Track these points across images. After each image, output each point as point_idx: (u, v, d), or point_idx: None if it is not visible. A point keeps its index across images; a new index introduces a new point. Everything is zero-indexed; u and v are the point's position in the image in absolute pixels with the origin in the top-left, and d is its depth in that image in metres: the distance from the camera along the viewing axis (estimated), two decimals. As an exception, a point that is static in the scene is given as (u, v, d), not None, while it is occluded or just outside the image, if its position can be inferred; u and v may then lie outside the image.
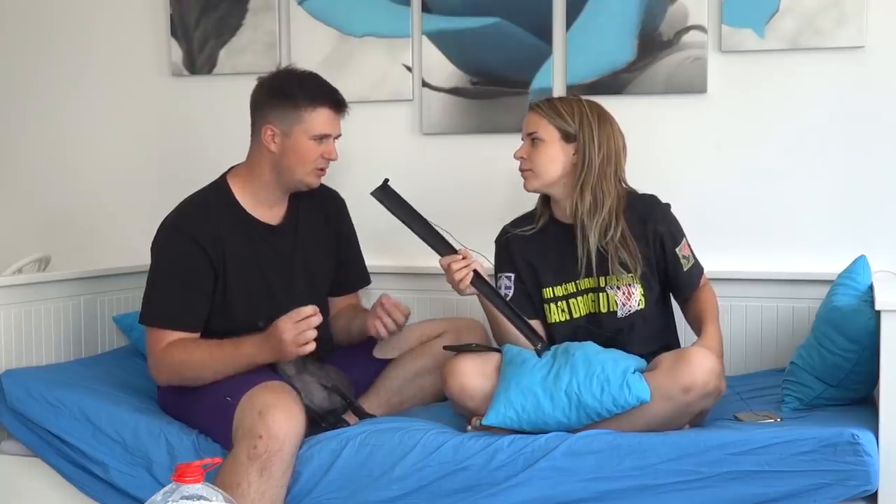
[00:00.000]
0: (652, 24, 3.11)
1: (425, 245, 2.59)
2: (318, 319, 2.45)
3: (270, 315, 2.58)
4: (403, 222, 2.58)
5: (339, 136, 2.73)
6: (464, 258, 2.52)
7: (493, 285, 2.63)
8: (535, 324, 2.63)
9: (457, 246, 2.57)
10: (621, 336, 2.57)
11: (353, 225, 2.94)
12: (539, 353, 2.42)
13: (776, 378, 2.72)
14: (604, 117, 2.60)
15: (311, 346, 2.45)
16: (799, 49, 3.00)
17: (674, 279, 2.62)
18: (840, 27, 2.96)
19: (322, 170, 2.71)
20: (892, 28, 2.95)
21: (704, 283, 2.67)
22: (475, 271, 2.52)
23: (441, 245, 2.56)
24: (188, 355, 2.56)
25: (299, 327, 2.43)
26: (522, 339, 2.55)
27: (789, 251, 3.04)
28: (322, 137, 2.66)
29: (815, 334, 2.54)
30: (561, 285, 2.62)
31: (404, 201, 2.60)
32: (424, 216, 2.59)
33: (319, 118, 2.65)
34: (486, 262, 2.63)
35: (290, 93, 2.66)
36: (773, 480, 2.18)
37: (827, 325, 2.49)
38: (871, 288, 2.52)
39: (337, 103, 2.68)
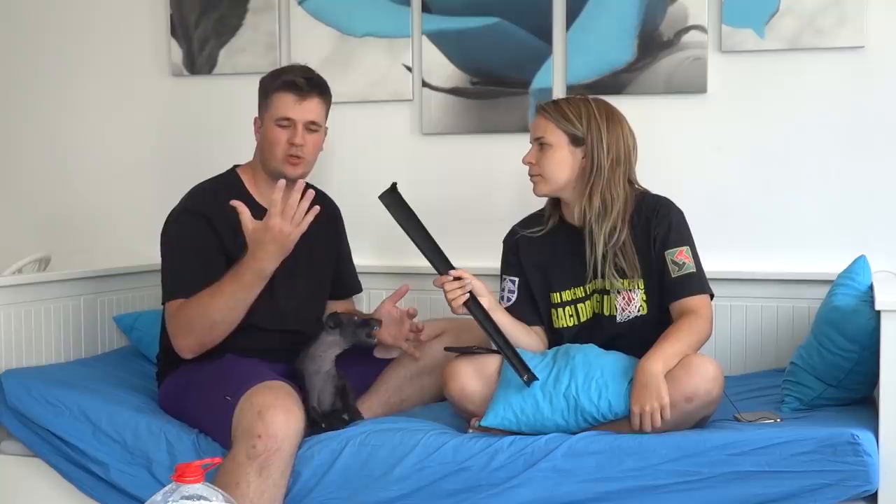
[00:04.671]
0: (652, 24, 3.11)
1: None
2: (307, 196, 2.43)
3: (268, 309, 2.59)
4: (405, 231, 2.52)
5: (313, 122, 2.67)
6: (458, 279, 2.47)
7: (498, 292, 2.61)
8: (538, 330, 2.62)
9: (458, 263, 2.51)
10: (621, 340, 2.53)
11: (346, 233, 2.98)
12: (527, 383, 2.36)
13: (776, 378, 2.72)
14: (613, 118, 2.55)
15: (312, 214, 2.44)
16: (799, 49, 3.00)
17: (659, 284, 2.52)
18: (840, 27, 2.96)
19: (294, 157, 2.65)
20: (892, 28, 2.95)
21: (696, 311, 2.44)
22: (470, 293, 2.47)
23: (439, 262, 2.50)
24: (197, 304, 2.52)
25: (288, 214, 2.41)
26: (522, 339, 2.54)
27: (789, 251, 3.04)
28: (285, 121, 2.65)
29: (815, 334, 2.54)
30: (569, 290, 2.60)
31: (410, 210, 2.53)
32: (427, 229, 2.52)
33: (279, 102, 2.66)
34: (488, 267, 2.61)
35: (263, 82, 2.72)
36: (774, 481, 2.18)
37: (827, 325, 2.48)
38: (871, 288, 2.52)
39: (296, 86, 2.65)
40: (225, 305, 2.50)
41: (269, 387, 2.41)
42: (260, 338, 2.64)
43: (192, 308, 2.52)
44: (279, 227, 2.42)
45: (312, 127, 2.68)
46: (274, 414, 2.32)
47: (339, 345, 2.56)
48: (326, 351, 2.56)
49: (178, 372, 2.64)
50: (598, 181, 2.51)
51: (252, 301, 2.52)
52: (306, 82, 2.66)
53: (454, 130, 3.31)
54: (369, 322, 2.60)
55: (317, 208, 2.46)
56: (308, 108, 2.67)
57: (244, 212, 2.45)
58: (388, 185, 2.54)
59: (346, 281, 2.99)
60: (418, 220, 2.53)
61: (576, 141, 2.53)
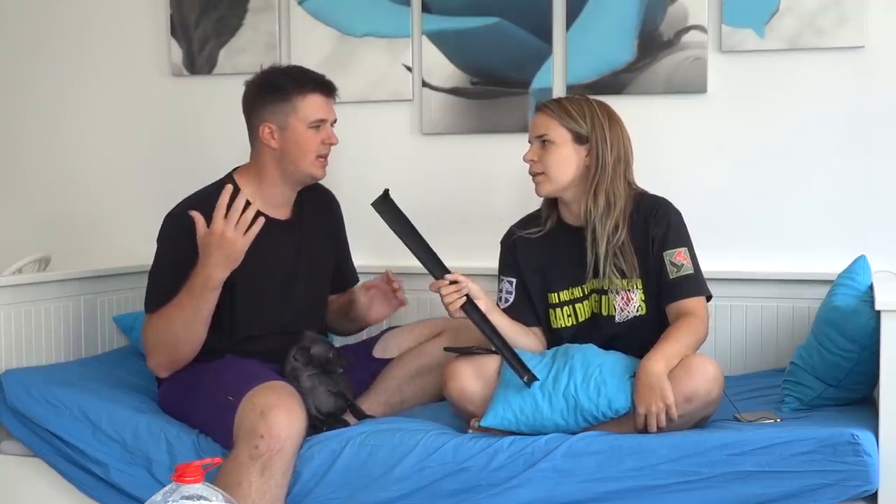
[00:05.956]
0: (652, 24, 3.11)
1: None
2: (251, 207, 2.44)
3: (269, 311, 2.59)
4: (399, 237, 2.51)
5: (335, 120, 2.73)
6: (454, 282, 2.46)
7: (495, 295, 2.61)
8: (536, 331, 2.62)
9: (454, 265, 2.51)
10: (620, 341, 2.53)
11: (343, 220, 2.96)
12: (528, 384, 2.36)
13: (776, 378, 2.72)
14: (613, 117, 2.56)
15: (257, 226, 2.44)
16: (799, 49, 3.00)
17: (657, 284, 2.52)
18: (840, 27, 2.96)
19: (324, 158, 2.70)
20: (892, 28, 2.95)
21: (694, 312, 2.45)
22: (467, 296, 2.46)
23: (435, 266, 2.49)
24: (161, 318, 2.53)
25: (232, 218, 2.42)
26: (520, 340, 2.54)
27: (789, 251, 3.04)
28: (318, 123, 2.67)
29: (815, 334, 2.54)
30: (568, 290, 2.59)
31: (403, 216, 2.53)
32: (421, 234, 2.51)
33: (312, 104, 2.66)
34: (487, 267, 2.60)
35: (279, 86, 2.68)
36: (774, 481, 2.18)
37: (827, 325, 2.48)
38: (871, 288, 2.52)
39: (326, 87, 2.70)
40: (183, 318, 2.50)
41: (272, 387, 2.41)
42: (262, 340, 2.65)
43: (158, 322, 2.54)
44: (220, 230, 2.43)
45: (334, 123, 2.73)
46: (277, 414, 2.32)
47: (310, 372, 2.58)
48: (301, 374, 2.56)
49: (178, 372, 2.63)
50: (603, 179, 2.51)
51: (208, 313, 2.51)
52: (328, 81, 2.71)
53: (454, 130, 3.31)
54: (338, 360, 2.59)
55: (262, 220, 2.46)
56: (332, 107, 2.72)
57: (199, 220, 2.47)
58: (385, 188, 2.54)
59: (345, 273, 2.97)
60: (412, 226, 2.52)
61: (579, 139, 2.53)
